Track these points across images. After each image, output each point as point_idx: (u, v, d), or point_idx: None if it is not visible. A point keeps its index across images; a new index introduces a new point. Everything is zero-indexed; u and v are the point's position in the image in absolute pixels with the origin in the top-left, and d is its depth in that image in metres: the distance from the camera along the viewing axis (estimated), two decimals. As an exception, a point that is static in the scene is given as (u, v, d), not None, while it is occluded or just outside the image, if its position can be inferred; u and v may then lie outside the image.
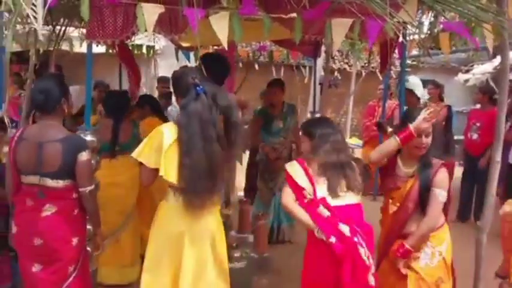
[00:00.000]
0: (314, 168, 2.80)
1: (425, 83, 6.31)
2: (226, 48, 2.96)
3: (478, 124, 6.11)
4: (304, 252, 2.86)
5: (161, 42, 7.99)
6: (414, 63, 11.52)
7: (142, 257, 2.88)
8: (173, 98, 5.04)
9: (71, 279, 2.82)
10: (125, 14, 2.96)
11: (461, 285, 3.00)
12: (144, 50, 7.02)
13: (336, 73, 11.08)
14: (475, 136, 6.13)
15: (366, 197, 7.33)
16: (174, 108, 5.67)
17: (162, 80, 7.09)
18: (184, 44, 5.88)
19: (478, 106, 6.53)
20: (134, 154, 2.62)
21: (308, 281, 2.81)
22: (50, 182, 2.76)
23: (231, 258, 4.01)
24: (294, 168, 2.85)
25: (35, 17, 2.27)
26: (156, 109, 4.87)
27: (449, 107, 6.14)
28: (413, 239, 2.77)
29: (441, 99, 6.33)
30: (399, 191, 2.89)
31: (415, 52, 7.51)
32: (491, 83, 7.14)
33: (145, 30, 2.82)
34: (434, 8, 3.15)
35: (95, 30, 2.96)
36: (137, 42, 6.45)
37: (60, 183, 2.77)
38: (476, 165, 5.96)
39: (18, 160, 2.78)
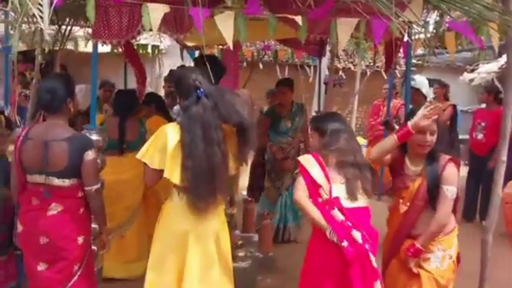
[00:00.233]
0: (329, 163, 2.75)
1: (430, 82, 6.28)
2: (232, 48, 2.96)
3: (483, 124, 6.09)
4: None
5: (166, 41, 8.01)
6: (419, 62, 11.46)
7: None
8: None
9: (76, 277, 2.83)
10: (130, 13, 2.97)
11: (466, 285, 3.00)
12: (149, 50, 7.04)
13: (340, 72, 11.06)
14: (480, 136, 6.11)
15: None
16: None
17: (169, 80, 7.10)
18: (189, 44, 5.89)
19: (484, 105, 6.51)
20: (139, 155, 2.63)
21: (309, 275, 2.78)
22: (56, 181, 2.77)
23: (235, 258, 4.02)
24: (308, 162, 2.78)
25: (41, 17, 2.28)
26: (161, 108, 4.89)
27: (454, 106, 6.12)
28: (423, 238, 2.74)
29: (446, 99, 6.31)
30: (409, 190, 2.85)
31: (420, 51, 7.47)
32: (497, 83, 7.12)
33: (151, 30, 2.83)
34: (440, 7, 3.15)
35: (101, 30, 2.97)
36: (142, 41, 6.48)
37: (66, 182, 2.78)
38: (481, 164, 5.94)
39: (23, 159, 2.79)
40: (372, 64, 11.15)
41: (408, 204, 2.84)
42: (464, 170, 6.43)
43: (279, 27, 3.02)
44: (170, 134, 2.56)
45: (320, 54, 5.81)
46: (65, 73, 6.51)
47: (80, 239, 2.84)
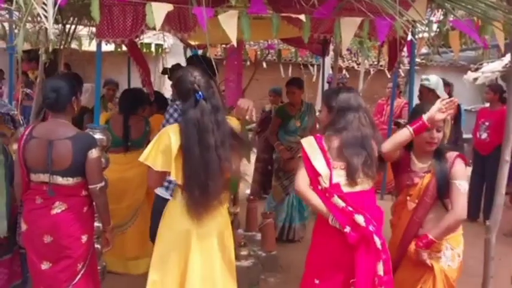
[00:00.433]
0: (332, 146, 2.69)
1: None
2: (235, 45, 2.97)
3: (487, 123, 6.07)
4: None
5: (169, 40, 8.03)
6: (423, 61, 11.45)
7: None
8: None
9: (79, 276, 2.84)
10: (134, 13, 2.98)
11: (470, 284, 3.00)
12: (153, 49, 7.05)
13: (344, 71, 11.04)
14: (484, 135, 6.09)
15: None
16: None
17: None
18: (193, 43, 5.90)
19: (487, 105, 6.49)
20: (141, 158, 2.59)
21: (314, 260, 2.76)
22: (60, 180, 2.78)
23: (238, 256, 4.03)
24: (310, 146, 2.72)
25: (45, 16, 2.28)
26: (164, 106, 4.90)
27: (458, 106, 6.10)
28: (438, 231, 2.65)
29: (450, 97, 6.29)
30: (417, 187, 2.78)
31: (424, 50, 7.47)
32: (501, 82, 7.10)
33: (154, 28, 2.83)
34: (444, 6, 3.14)
35: (105, 29, 2.98)
36: (146, 40, 6.49)
37: (70, 181, 2.80)
38: (485, 164, 5.92)
39: (27, 158, 2.80)
40: (375, 63, 11.13)
41: (416, 201, 2.77)
42: (468, 170, 6.41)
43: (283, 27, 3.02)
44: (173, 135, 2.55)
45: (323, 53, 5.81)
46: (71, 72, 6.54)
47: (84, 238, 2.85)
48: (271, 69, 8.59)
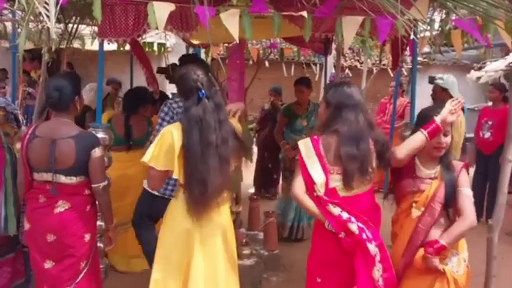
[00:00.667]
0: (328, 150, 2.63)
1: (435, 79, 6.23)
2: (238, 42, 2.97)
3: (490, 122, 6.05)
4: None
5: (172, 39, 8.02)
6: (425, 60, 11.42)
7: None
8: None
9: (82, 275, 2.85)
10: (136, 12, 2.98)
11: (472, 283, 2.98)
12: (155, 48, 7.06)
13: (346, 70, 11.03)
14: (487, 134, 6.07)
15: (376, 194, 7.32)
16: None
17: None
18: (195, 42, 5.90)
19: (490, 104, 6.46)
20: (145, 159, 2.58)
21: (315, 259, 2.75)
22: (63, 179, 2.79)
23: (240, 256, 4.04)
24: (307, 151, 2.66)
25: (47, 15, 2.29)
26: None
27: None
28: (450, 237, 2.58)
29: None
30: (423, 194, 2.69)
31: (426, 49, 7.44)
32: (504, 81, 7.06)
33: (157, 28, 2.84)
34: (446, 5, 3.14)
35: (107, 29, 2.99)
36: (148, 39, 6.50)
37: (73, 180, 2.80)
38: (488, 163, 5.91)
39: (30, 157, 2.81)
40: (378, 62, 11.11)
41: (422, 209, 2.67)
42: (470, 169, 6.40)
43: (284, 26, 3.02)
44: (175, 134, 2.55)
45: (326, 52, 5.81)
46: (72, 71, 6.56)
47: (87, 236, 2.86)
48: (274, 68, 8.58)
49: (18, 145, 3.11)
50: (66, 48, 4.76)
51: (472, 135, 6.62)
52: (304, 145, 2.70)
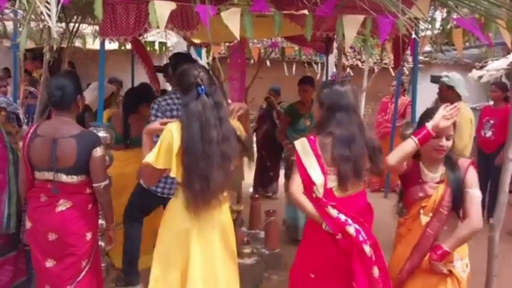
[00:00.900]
0: (325, 151, 2.62)
1: (436, 78, 6.22)
2: (239, 41, 2.97)
3: (491, 121, 6.05)
4: None
5: (173, 38, 8.02)
6: (427, 59, 11.41)
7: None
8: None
9: (83, 273, 2.86)
10: (137, 11, 2.99)
11: (473, 283, 2.98)
12: (156, 47, 7.06)
13: (348, 69, 11.02)
14: (489, 133, 6.07)
15: (377, 193, 7.33)
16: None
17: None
18: (196, 41, 5.91)
19: (491, 103, 6.46)
20: (147, 159, 2.54)
21: (308, 256, 2.74)
22: (65, 178, 2.79)
23: (241, 254, 4.04)
24: (305, 151, 2.65)
25: (48, 14, 2.30)
26: None
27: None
28: (453, 242, 2.55)
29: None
30: (431, 199, 2.64)
31: (428, 48, 7.44)
32: (506, 80, 7.06)
33: (158, 27, 2.84)
34: (447, 4, 3.13)
35: (108, 28, 2.99)
36: (149, 38, 6.51)
37: (74, 179, 2.81)
38: (489, 162, 5.90)
39: (32, 156, 2.81)
40: (379, 61, 11.10)
41: (430, 214, 2.63)
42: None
43: (285, 25, 3.02)
44: (175, 132, 2.54)
45: (327, 51, 5.81)
46: (72, 70, 6.57)
47: (88, 235, 2.87)
48: (275, 68, 8.58)
49: (21, 144, 3.11)
50: (68, 47, 4.76)
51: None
52: (301, 145, 2.68)
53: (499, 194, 3.35)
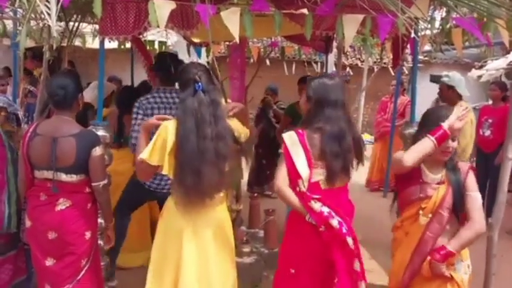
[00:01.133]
0: (313, 145, 2.62)
1: (436, 78, 6.23)
2: (238, 42, 2.98)
3: (490, 120, 6.06)
4: None
5: (173, 38, 8.02)
6: (426, 58, 11.41)
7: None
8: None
9: (83, 272, 2.86)
10: (137, 10, 2.99)
11: (472, 282, 3.00)
12: (156, 46, 7.06)
13: (347, 69, 11.03)
14: (487, 133, 6.08)
15: (376, 193, 7.34)
16: None
17: None
18: (196, 40, 5.91)
19: (490, 102, 6.47)
20: (143, 155, 2.56)
21: (289, 249, 2.75)
22: (64, 177, 2.79)
23: (240, 253, 4.05)
24: (293, 144, 2.63)
25: (48, 13, 2.30)
26: None
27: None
28: (457, 243, 2.52)
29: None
30: (431, 200, 2.61)
31: (427, 48, 7.44)
32: (505, 79, 7.06)
33: (158, 26, 2.84)
34: (447, 3, 3.14)
35: (108, 27, 2.99)
36: (149, 38, 6.51)
37: (74, 178, 2.81)
38: (488, 162, 5.91)
39: (31, 155, 2.82)
40: (379, 60, 11.12)
41: (430, 215, 2.60)
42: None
43: (285, 24, 3.02)
44: (170, 130, 2.56)
45: (327, 50, 5.81)
46: (72, 69, 6.57)
47: (88, 234, 2.87)
48: (275, 67, 8.58)
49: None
50: (67, 46, 4.76)
51: (472, 133, 6.62)
52: (290, 138, 2.67)
53: (498, 193, 3.36)
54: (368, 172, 7.98)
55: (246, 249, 4.22)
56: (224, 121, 2.64)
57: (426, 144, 2.56)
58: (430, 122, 2.65)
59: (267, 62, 7.97)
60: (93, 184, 2.86)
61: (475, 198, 2.58)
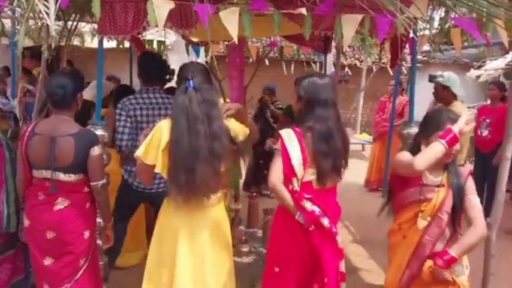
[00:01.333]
0: (306, 143, 2.63)
1: (436, 78, 6.22)
2: (237, 42, 2.97)
3: (488, 120, 6.07)
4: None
5: (172, 37, 8.02)
6: (425, 58, 11.43)
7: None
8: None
9: (81, 272, 2.86)
10: (136, 9, 2.98)
11: (470, 282, 3.00)
12: (155, 45, 7.06)
13: (346, 69, 11.05)
14: (485, 133, 6.09)
15: (375, 193, 7.35)
16: None
17: None
18: (195, 39, 5.90)
19: (488, 102, 6.48)
20: (137, 153, 2.57)
21: (275, 248, 2.76)
22: (63, 176, 2.79)
23: (239, 253, 4.05)
24: (290, 141, 2.63)
25: (47, 13, 2.29)
26: None
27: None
28: (459, 249, 2.49)
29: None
30: (431, 203, 2.57)
31: (426, 47, 7.45)
32: (504, 79, 7.07)
33: (157, 26, 2.84)
34: (445, 3, 3.14)
35: (106, 26, 2.99)
36: (148, 37, 6.50)
37: (72, 178, 2.81)
38: (486, 162, 5.92)
39: (30, 154, 2.81)
40: (377, 60, 11.13)
41: (429, 218, 2.56)
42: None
43: (284, 24, 3.02)
44: (165, 129, 2.56)
45: (325, 50, 5.80)
46: (74, 69, 6.57)
47: (86, 234, 2.87)
48: (274, 67, 8.58)
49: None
50: (66, 45, 4.76)
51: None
52: (288, 135, 2.66)
53: (496, 192, 3.36)
54: (367, 172, 8.00)
55: (245, 248, 4.22)
56: (220, 121, 2.62)
57: (437, 148, 2.49)
58: (434, 124, 2.62)
59: (266, 61, 7.97)
60: (91, 184, 2.86)
61: (474, 201, 2.57)
